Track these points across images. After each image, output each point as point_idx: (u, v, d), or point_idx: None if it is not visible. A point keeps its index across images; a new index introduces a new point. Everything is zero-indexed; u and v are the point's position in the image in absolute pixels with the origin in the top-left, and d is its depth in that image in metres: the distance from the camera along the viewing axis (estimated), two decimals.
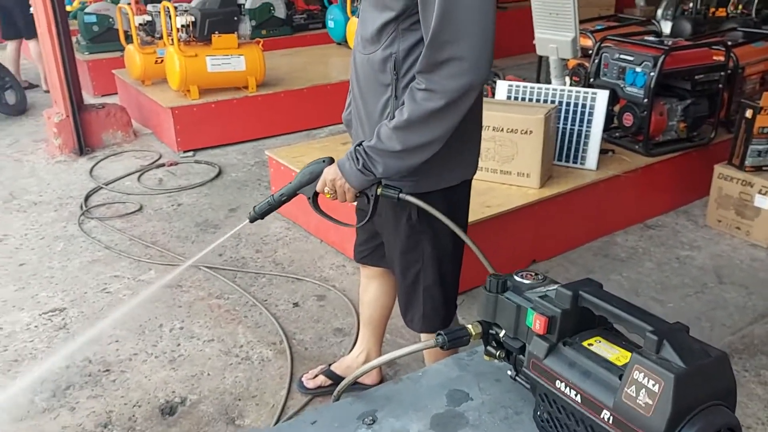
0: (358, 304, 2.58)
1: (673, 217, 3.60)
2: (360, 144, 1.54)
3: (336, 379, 2.30)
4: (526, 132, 2.94)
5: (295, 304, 2.87)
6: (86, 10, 6.11)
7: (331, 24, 6.47)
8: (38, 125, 5.20)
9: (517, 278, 1.03)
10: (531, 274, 1.04)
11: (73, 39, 5.36)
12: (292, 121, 5.13)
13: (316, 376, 2.34)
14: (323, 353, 2.55)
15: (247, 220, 1.65)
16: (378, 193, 1.53)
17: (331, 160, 1.60)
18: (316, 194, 1.60)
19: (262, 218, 1.63)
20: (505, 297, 0.99)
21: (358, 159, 1.52)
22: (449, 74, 1.40)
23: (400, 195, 1.51)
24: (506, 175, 3.08)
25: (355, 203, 1.72)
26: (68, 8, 6.37)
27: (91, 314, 2.79)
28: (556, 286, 0.96)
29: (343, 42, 6.28)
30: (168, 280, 2.95)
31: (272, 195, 1.62)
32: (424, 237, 1.70)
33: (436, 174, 1.62)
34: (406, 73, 1.52)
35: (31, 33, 5.57)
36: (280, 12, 6.96)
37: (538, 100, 3.28)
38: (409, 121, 1.45)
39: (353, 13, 6.06)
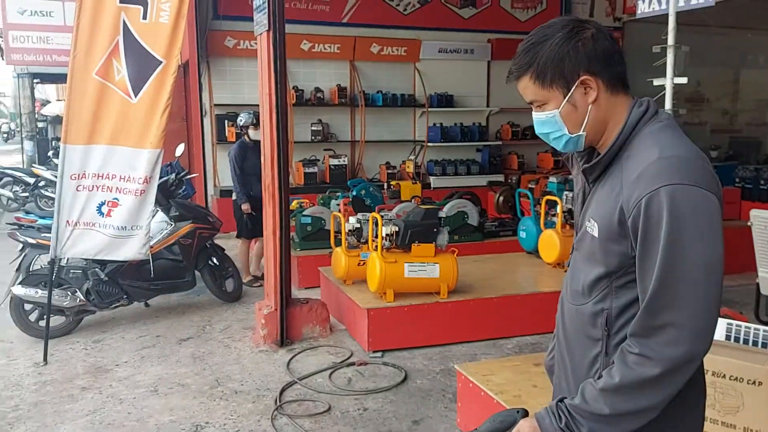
0: None
1: None
2: (562, 400, 1.46)
3: None
4: (753, 383, 2.62)
5: None
6: (304, 212, 6.89)
7: (522, 234, 6.61)
8: (248, 312, 5.72)
9: None
10: None
11: None
12: (480, 329, 5.11)
13: None
14: None
15: None
16: None
17: (525, 413, 1.53)
18: None
19: None
20: None
21: (560, 417, 1.43)
22: (666, 341, 1.33)
23: None
24: (730, 429, 2.70)
25: None
26: None
27: None
28: None
29: (534, 252, 6.34)
30: None
31: None
32: None
33: None
34: (619, 330, 1.46)
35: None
36: (473, 219, 7.29)
37: (764, 345, 2.94)
38: (621, 385, 1.37)
39: (546, 226, 6.16)
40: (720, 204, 1.37)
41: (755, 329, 2.98)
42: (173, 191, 5.84)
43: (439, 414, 3.83)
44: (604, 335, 1.48)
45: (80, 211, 4.65)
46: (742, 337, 3.01)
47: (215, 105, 9.70)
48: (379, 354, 4.80)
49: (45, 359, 4.67)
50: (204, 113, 9.71)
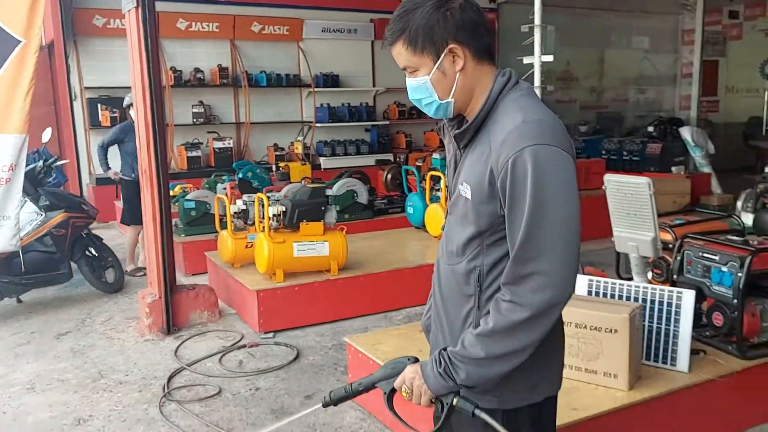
0: None
1: None
2: (445, 349, 1.56)
3: None
4: (610, 330, 2.87)
5: None
6: (187, 197, 6.69)
7: (410, 210, 6.80)
8: (132, 302, 5.51)
9: None
10: None
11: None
12: (371, 304, 5.22)
13: None
14: None
15: (320, 404, 1.71)
16: (453, 403, 1.52)
17: (416, 360, 1.63)
18: (393, 391, 1.62)
19: (335, 405, 1.69)
20: None
21: (440, 362, 1.54)
22: (533, 288, 1.45)
23: (475, 411, 1.49)
24: (592, 374, 2.96)
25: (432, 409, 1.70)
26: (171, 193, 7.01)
27: None
28: None
29: (422, 227, 6.54)
30: None
31: (350, 383, 1.68)
32: None
33: (520, 390, 1.60)
34: (490, 285, 1.57)
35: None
36: (363, 198, 7.40)
37: (620, 297, 3.24)
38: (494, 330, 1.48)
39: (432, 200, 6.37)
40: (574, 163, 1.50)
41: (612, 283, 3.28)
42: (41, 179, 5.48)
43: (331, 387, 3.89)
44: (477, 291, 1.58)
45: None
46: (602, 291, 3.30)
47: (86, 88, 9.15)
48: (270, 335, 4.79)
49: None
50: (74, 97, 9.14)
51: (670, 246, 3.80)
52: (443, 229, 1.77)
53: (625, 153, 9.45)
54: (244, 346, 4.56)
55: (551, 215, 1.43)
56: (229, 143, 9.76)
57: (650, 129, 9.72)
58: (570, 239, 1.45)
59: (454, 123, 1.68)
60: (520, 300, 1.45)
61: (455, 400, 1.51)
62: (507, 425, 1.48)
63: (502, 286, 1.50)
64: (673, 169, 8.91)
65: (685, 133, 9.20)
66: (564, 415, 2.68)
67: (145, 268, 6.11)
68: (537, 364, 1.58)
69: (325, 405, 1.69)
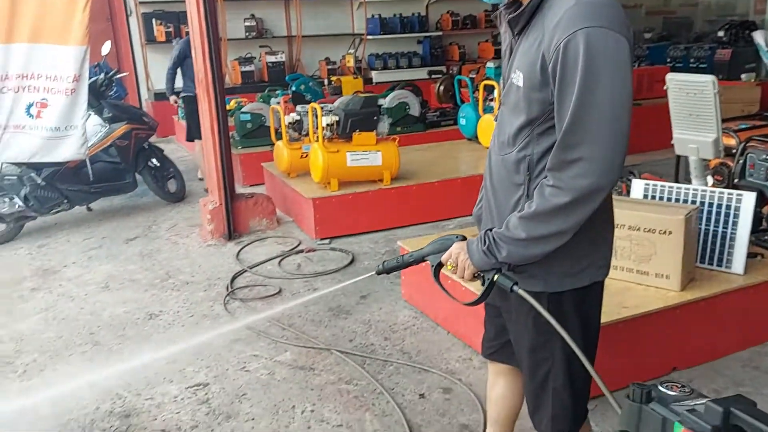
0: (484, 401, 2.55)
1: None
2: (490, 229, 1.62)
3: None
4: (664, 232, 2.85)
5: (421, 395, 2.88)
6: (242, 110, 6.79)
7: (462, 121, 6.72)
8: (194, 211, 5.75)
9: (662, 389, 1.01)
10: (677, 386, 1.02)
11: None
12: (423, 213, 5.29)
13: None
14: None
15: (374, 272, 1.83)
16: (494, 278, 1.58)
17: (464, 239, 1.69)
18: (440, 265, 1.70)
19: (388, 273, 1.82)
20: (650, 408, 0.98)
21: (484, 241, 1.60)
22: (577, 174, 1.45)
23: (514, 287, 1.54)
24: (643, 276, 2.97)
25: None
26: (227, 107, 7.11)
27: (231, 391, 2.97)
28: (704, 401, 0.94)
29: (474, 138, 6.48)
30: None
31: (401, 255, 1.78)
32: (554, 336, 1.67)
33: (566, 273, 1.64)
34: (539, 174, 1.58)
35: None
36: (415, 110, 7.34)
37: (677, 200, 3.18)
38: (536, 213, 1.51)
39: (485, 111, 6.27)
40: (630, 47, 1.45)
41: (669, 187, 3.22)
42: (103, 92, 5.65)
43: (385, 288, 4.04)
44: (526, 180, 1.61)
45: (8, 114, 4.51)
46: (658, 195, 3.25)
47: (140, 2, 9.20)
48: (326, 241, 4.95)
49: None
50: (129, 13, 9.23)
51: (733, 151, 3.67)
52: (496, 119, 1.77)
53: (692, 60, 8.97)
54: (301, 251, 4.74)
55: (599, 100, 1.41)
56: (282, 57, 9.74)
57: (720, 34, 9.13)
58: (618, 126, 1.43)
59: (510, 9, 1.65)
60: (563, 185, 1.47)
61: (496, 276, 1.57)
62: (551, 308, 1.52)
63: (547, 171, 1.51)
64: (743, 76, 8.40)
65: (758, 37, 8.56)
66: (614, 312, 2.73)
67: None
68: (583, 249, 1.62)
69: (379, 273, 1.81)
